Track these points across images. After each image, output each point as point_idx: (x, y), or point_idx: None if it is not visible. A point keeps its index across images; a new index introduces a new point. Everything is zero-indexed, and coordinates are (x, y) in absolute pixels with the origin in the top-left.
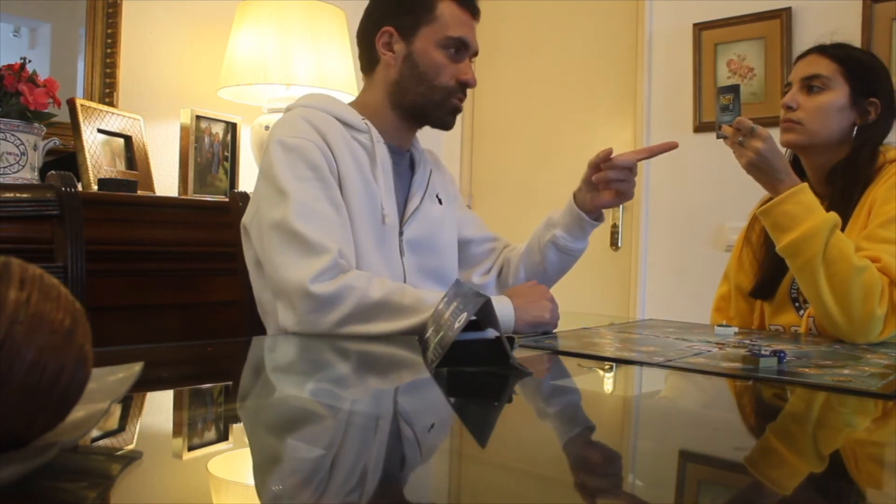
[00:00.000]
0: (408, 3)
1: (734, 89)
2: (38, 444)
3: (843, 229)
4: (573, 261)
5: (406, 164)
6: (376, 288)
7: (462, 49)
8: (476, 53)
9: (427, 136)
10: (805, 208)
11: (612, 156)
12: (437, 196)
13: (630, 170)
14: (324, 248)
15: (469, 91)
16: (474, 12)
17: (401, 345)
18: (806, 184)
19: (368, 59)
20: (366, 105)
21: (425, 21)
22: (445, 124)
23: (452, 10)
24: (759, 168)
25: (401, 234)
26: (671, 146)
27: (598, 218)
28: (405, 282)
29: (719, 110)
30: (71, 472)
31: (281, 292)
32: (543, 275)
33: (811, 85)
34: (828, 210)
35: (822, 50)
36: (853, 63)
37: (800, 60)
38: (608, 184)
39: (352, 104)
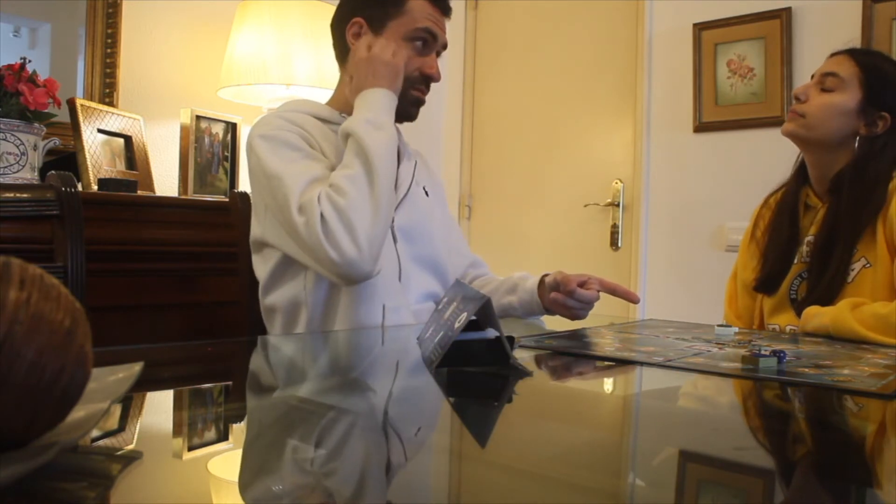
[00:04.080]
0: None
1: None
2: (38, 444)
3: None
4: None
5: None
6: (335, 198)
7: (430, 42)
8: (444, 47)
9: (427, 137)
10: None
11: (577, 287)
12: (423, 188)
13: (590, 302)
14: (310, 200)
15: (469, 91)
16: (445, 10)
17: (401, 345)
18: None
19: (341, 50)
20: (341, 99)
21: (394, 14)
22: (409, 115)
23: (422, 6)
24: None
25: (392, 220)
26: (634, 299)
27: (549, 310)
28: (400, 270)
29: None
30: (71, 472)
31: (320, 262)
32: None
33: (826, 83)
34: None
35: (851, 52)
36: (874, 72)
37: (829, 58)
38: (563, 306)
39: (329, 102)
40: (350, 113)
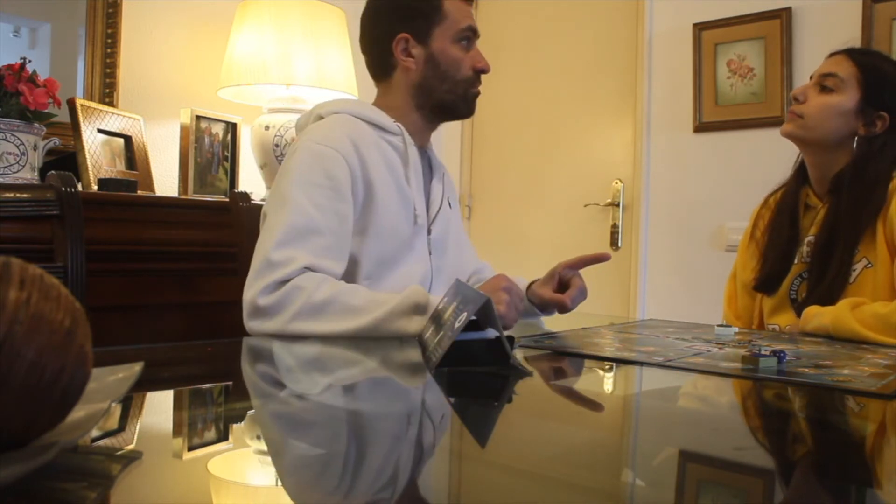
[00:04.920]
0: (416, 8)
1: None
2: (38, 444)
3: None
4: None
5: (427, 165)
6: (325, 289)
7: (472, 37)
8: (479, 36)
9: None
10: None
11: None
12: (448, 199)
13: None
14: (285, 263)
15: None
16: None
17: (401, 345)
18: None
19: (383, 66)
20: (390, 108)
21: (437, 21)
22: (470, 113)
23: (455, 4)
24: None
25: (429, 233)
26: (604, 257)
27: (545, 310)
28: (431, 281)
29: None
30: (71, 472)
31: (243, 301)
32: None
33: (824, 83)
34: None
35: (849, 52)
36: (873, 71)
37: (828, 58)
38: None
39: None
40: (400, 121)
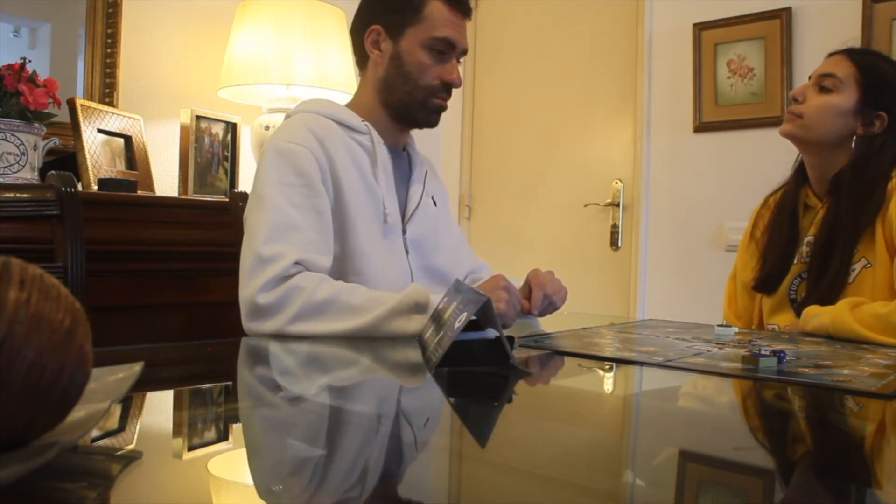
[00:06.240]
0: (396, 2)
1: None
2: (38, 444)
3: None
4: None
5: (404, 164)
6: (325, 288)
7: (449, 49)
8: (464, 52)
9: (427, 137)
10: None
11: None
12: (432, 197)
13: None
14: (276, 258)
15: (469, 91)
16: (464, 12)
17: (401, 345)
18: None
19: (360, 56)
20: (361, 104)
21: (412, 21)
22: (429, 123)
23: (440, 11)
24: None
25: (404, 232)
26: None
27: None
28: (412, 281)
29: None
30: (71, 472)
31: (240, 302)
32: None
33: (823, 83)
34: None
35: (848, 52)
36: (872, 71)
37: (827, 58)
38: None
39: (349, 104)
40: (370, 118)
